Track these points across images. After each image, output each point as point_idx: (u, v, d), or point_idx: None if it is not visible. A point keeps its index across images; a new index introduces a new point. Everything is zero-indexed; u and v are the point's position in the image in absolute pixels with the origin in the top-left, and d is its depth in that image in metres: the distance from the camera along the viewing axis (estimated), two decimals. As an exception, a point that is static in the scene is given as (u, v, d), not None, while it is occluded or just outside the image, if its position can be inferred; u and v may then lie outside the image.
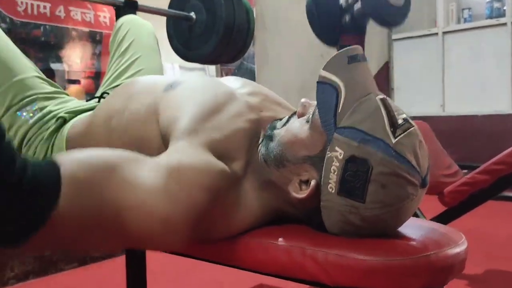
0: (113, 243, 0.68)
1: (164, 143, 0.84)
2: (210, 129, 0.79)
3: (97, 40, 2.55)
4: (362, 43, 2.17)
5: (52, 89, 1.19)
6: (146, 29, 1.46)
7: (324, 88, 0.71)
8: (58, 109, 1.13)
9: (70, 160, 0.62)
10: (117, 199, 0.62)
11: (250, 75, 3.49)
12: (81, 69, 2.49)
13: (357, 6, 2.11)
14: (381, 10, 2.11)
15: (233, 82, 0.96)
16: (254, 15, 3.48)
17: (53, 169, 0.58)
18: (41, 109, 1.12)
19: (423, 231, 0.75)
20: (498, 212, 2.92)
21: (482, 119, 4.74)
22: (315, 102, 0.79)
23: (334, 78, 0.71)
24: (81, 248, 0.74)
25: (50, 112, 1.12)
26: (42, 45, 2.33)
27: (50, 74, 2.37)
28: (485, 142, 4.70)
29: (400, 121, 0.69)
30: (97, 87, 2.52)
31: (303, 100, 0.80)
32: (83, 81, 2.50)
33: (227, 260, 0.80)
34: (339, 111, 0.69)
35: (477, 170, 1.89)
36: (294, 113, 0.82)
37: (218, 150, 0.77)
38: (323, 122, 0.71)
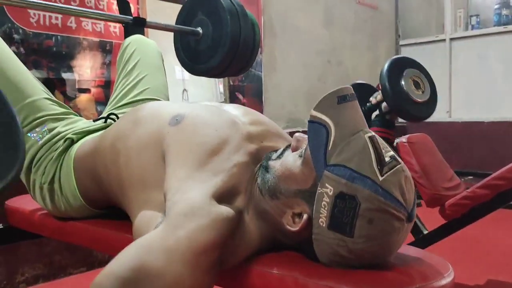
0: None
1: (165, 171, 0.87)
2: (212, 173, 0.82)
3: (107, 49, 2.60)
4: (392, 137, 2.25)
5: (61, 110, 1.24)
6: (152, 48, 1.51)
7: (315, 127, 0.75)
8: (67, 130, 1.18)
9: None
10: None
11: (257, 82, 3.53)
12: (91, 78, 2.55)
13: (384, 104, 2.21)
14: (407, 108, 2.20)
15: (235, 110, 1.00)
16: (262, 22, 3.52)
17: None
18: (51, 130, 1.17)
19: (411, 261, 0.78)
20: (505, 219, 2.79)
21: (489, 125, 4.74)
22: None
23: (324, 117, 0.75)
24: None
25: (59, 133, 1.17)
26: (54, 55, 2.38)
27: (61, 83, 2.43)
28: (491, 149, 4.70)
29: (387, 159, 0.73)
30: (106, 96, 2.57)
31: (297, 134, 0.84)
32: (93, 90, 2.55)
33: (225, 285, 0.85)
34: (329, 149, 0.73)
35: (478, 184, 1.91)
36: (289, 145, 0.86)
37: (222, 193, 0.81)
38: (314, 159, 0.74)
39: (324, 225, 0.73)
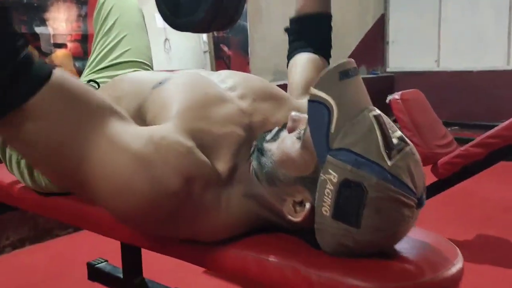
0: (60, 175, 0.72)
1: None
2: (198, 118, 0.79)
3: (82, 1, 2.43)
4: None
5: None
6: (132, 5, 1.38)
7: (315, 107, 0.68)
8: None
9: (66, 74, 0.70)
10: (90, 139, 0.69)
11: (243, 33, 3.39)
12: (67, 32, 2.39)
13: None
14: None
15: (222, 82, 0.92)
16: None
17: (48, 67, 0.67)
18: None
19: (419, 248, 0.74)
20: (497, 172, 2.46)
21: (477, 75, 4.70)
22: (305, 116, 0.76)
23: (325, 96, 0.67)
24: (32, 160, 0.74)
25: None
26: (25, 7, 2.22)
27: (35, 38, 2.28)
28: (479, 98, 4.69)
29: (395, 141, 0.66)
30: (84, 51, 2.43)
31: (293, 113, 0.77)
32: (69, 45, 2.41)
33: (219, 269, 0.80)
34: (331, 131, 0.66)
35: (472, 143, 1.89)
36: (284, 126, 0.79)
37: (203, 141, 0.77)
38: (316, 143, 0.68)
39: (327, 214, 0.67)
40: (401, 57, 5.21)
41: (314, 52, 1.14)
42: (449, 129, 4.56)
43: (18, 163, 1.06)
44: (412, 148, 0.68)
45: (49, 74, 0.67)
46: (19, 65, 0.65)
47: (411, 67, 5.14)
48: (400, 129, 2.05)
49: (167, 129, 0.75)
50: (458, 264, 0.71)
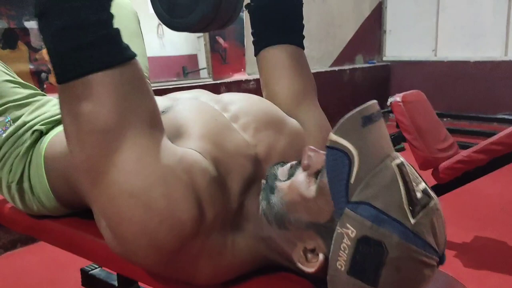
0: (85, 156, 0.67)
1: None
2: (215, 145, 0.75)
3: (73, -7, 2.34)
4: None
5: (26, 92, 1.07)
6: (126, 11, 1.32)
7: (335, 155, 0.63)
8: (34, 118, 1.03)
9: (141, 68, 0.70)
10: (132, 137, 0.66)
11: (239, 23, 3.31)
12: (57, 26, 2.31)
13: None
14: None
15: (224, 110, 0.87)
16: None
17: (133, 52, 0.68)
18: (15, 120, 1.01)
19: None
20: (505, 173, 2.28)
21: (474, 65, 4.65)
22: (322, 154, 0.71)
23: (346, 144, 0.62)
24: (66, 129, 0.70)
25: (25, 123, 1.01)
26: (14, 2, 2.12)
27: (24, 33, 2.19)
28: (476, 89, 4.65)
29: (419, 195, 0.62)
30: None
31: (308, 149, 0.72)
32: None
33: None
34: (351, 182, 0.62)
35: (474, 149, 1.85)
36: (298, 163, 0.74)
37: (220, 169, 0.73)
38: (333, 194, 0.63)
39: (342, 269, 0.63)
40: (398, 46, 5.15)
41: (286, 42, 0.97)
42: (444, 119, 4.56)
43: (9, 187, 1.00)
44: (436, 203, 0.64)
45: (133, 56, 0.67)
46: (112, 34, 0.65)
47: (408, 56, 5.09)
48: (401, 132, 2.01)
49: (197, 155, 0.71)
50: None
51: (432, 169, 1.96)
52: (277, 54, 0.97)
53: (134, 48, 1.29)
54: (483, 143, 1.84)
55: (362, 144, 0.62)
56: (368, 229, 0.60)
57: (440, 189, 1.99)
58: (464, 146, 3.08)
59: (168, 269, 0.72)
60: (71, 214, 1.04)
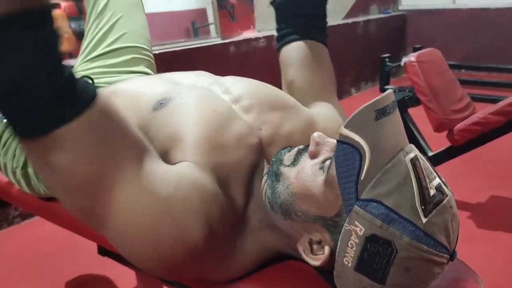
0: (78, 207, 0.65)
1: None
2: (214, 148, 0.72)
3: (73, -46, 2.26)
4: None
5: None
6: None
7: (346, 150, 0.60)
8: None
9: (109, 101, 0.64)
10: (119, 180, 0.62)
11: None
12: (59, -10, 2.24)
13: None
14: None
15: (226, 92, 0.83)
16: None
17: (92, 89, 0.61)
18: (15, 104, 0.99)
19: (440, 287, 0.69)
20: None
21: (495, 12, 4.45)
22: (331, 140, 0.68)
23: (358, 139, 0.59)
24: (50, 186, 0.67)
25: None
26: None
27: (25, -1, 2.13)
28: (496, 38, 4.47)
29: (432, 192, 0.59)
30: (79, 10, 2.29)
31: (315, 135, 0.69)
32: (63, 4, 2.26)
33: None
34: (361, 178, 0.59)
35: (491, 110, 1.79)
36: (305, 147, 0.71)
37: (220, 175, 0.70)
38: (342, 189, 0.60)
39: (349, 265, 0.61)
40: (414, -6, 4.94)
41: (309, 38, 0.97)
42: (462, 70, 4.42)
43: (14, 173, 1.00)
44: (450, 200, 0.61)
45: (92, 98, 0.61)
46: (63, 85, 0.57)
47: (425, 5, 4.88)
48: (415, 93, 1.95)
49: (193, 173, 0.68)
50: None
51: (447, 131, 1.91)
52: (299, 48, 0.97)
53: (134, 22, 1.25)
54: (500, 104, 1.78)
55: (375, 139, 0.59)
56: (377, 228, 0.58)
57: (455, 151, 1.95)
58: (482, 99, 3.00)
59: (178, 274, 0.72)
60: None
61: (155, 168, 0.66)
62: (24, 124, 0.58)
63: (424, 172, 0.60)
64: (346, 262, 0.61)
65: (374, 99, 0.59)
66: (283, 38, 0.99)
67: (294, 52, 0.97)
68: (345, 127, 0.59)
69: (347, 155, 0.60)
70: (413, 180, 0.58)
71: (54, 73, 0.57)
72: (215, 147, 0.72)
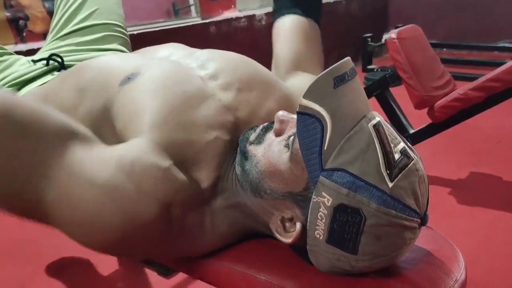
0: (18, 211, 0.64)
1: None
2: (176, 128, 0.69)
3: None
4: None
5: (-8, 51, 1.01)
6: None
7: (306, 121, 0.58)
8: (0, 80, 0.97)
9: (14, 97, 0.62)
10: (48, 175, 0.60)
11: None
12: (31, -32, 2.17)
13: None
14: None
15: (202, 68, 0.81)
16: None
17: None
18: (-20, 82, 0.96)
19: (418, 260, 0.68)
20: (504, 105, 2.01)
21: (477, -9, 4.44)
22: (293, 117, 0.67)
23: (317, 108, 0.58)
24: None
25: (-8, 84, 0.96)
26: None
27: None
28: (478, 18, 4.48)
29: (397, 156, 0.58)
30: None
31: (279, 113, 0.67)
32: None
33: (207, 281, 0.76)
34: (324, 148, 0.58)
35: (470, 86, 1.79)
36: (270, 124, 0.70)
37: (183, 156, 0.68)
38: (306, 161, 0.59)
39: (321, 238, 0.60)
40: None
41: (302, 14, 1.01)
42: (444, 49, 4.43)
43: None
44: (416, 163, 0.60)
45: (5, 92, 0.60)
46: None
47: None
48: (396, 70, 1.94)
49: (139, 149, 0.65)
50: (461, 278, 0.66)
51: (427, 108, 1.91)
52: (290, 22, 1.01)
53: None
54: (479, 79, 1.78)
55: (335, 107, 0.58)
56: (344, 197, 0.57)
57: (436, 127, 1.96)
58: (463, 78, 3.00)
59: (145, 254, 0.71)
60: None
61: (89, 152, 0.64)
62: None
63: (388, 138, 0.59)
64: (318, 236, 0.60)
65: (331, 67, 0.58)
66: (279, 11, 1.04)
67: (286, 25, 1.01)
68: (303, 97, 0.58)
69: (308, 126, 0.58)
70: (377, 146, 0.57)
71: None
72: (177, 128, 0.69)
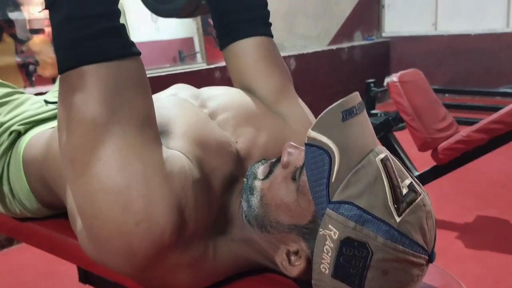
0: (72, 148, 0.65)
1: None
2: (199, 143, 0.71)
3: (58, -19, 2.28)
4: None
5: (3, 91, 1.03)
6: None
7: (315, 153, 0.59)
8: (11, 118, 0.99)
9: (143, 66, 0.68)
10: (123, 135, 0.63)
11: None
12: (43, 16, 2.25)
13: None
14: None
15: (203, 106, 0.82)
16: None
17: (136, 50, 0.66)
18: (-9, 121, 0.97)
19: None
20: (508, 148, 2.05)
21: (475, 38, 4.56)
22: (302, 149, 0.67)
23: (326, 140, 0.58)
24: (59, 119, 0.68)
25: (2, 124, 0.97)
26: (-4, -8, 2.07)
27: (9, 25, 2.13)
28: (478, 62, 4.57)
29: (404, 191, 0.58)
30: (63, 36, 2.29)
31: (287, 145, 0.68)
32: (47, 30, 2.26)
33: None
34: (332, 181, 0.58)
35: (473, 128, 1.80)
36: (278, 160, 0.70)
37: (200, 172, 0.68)
38: (314, 193, 0.59)
39: (327, 272, 0.59)
40: (397, 21, 5.05)
41: (258, 34, 0.90)
42: (446, 95, 4.49)
43: (-13, 193, 0.97)
44: (423, 198, 0.60)
45: (135, 53, 0.66)
46: (116, 27, 0.64)
47: (408, 31, 4.99)
48: (398, 113, 1.96)
49: (181, 157, 0.67)
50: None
51: (431, 150, 1.91)
52: (247, 48, 0.90)
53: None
54: (482, 122, 1.79)
55: (343, 140, 0.58)
56: (351, 230, 0.56)
57: (440, 170, 1.95)
58: (466, 122, 3.03)
59: (144, 277, 0.69)
60: (56, 216, 1.01)
61: (156, 143, 0.66)
62: (70, 49, 0.63)
63: (396, 172, 0.59)
64: (323, 269, 0.59)
65: (340, 100, 0.59)
66: (225, 36, 0.92)
67: (242, 52, 0.90)
68: (312, 129, 0.58)
69: (316, 158, 0.58)
70: (384, 180, 0.57)
71: (111, 16, 0.63)
72: (199, 144, 0.70)
